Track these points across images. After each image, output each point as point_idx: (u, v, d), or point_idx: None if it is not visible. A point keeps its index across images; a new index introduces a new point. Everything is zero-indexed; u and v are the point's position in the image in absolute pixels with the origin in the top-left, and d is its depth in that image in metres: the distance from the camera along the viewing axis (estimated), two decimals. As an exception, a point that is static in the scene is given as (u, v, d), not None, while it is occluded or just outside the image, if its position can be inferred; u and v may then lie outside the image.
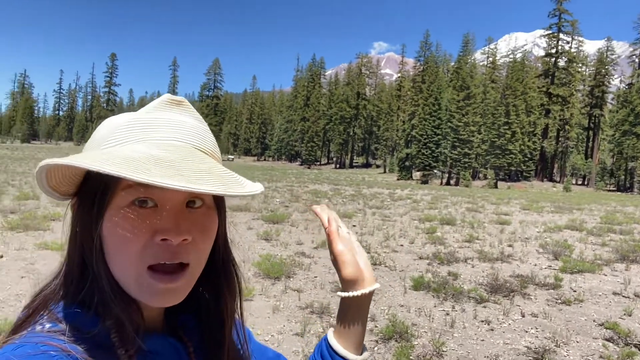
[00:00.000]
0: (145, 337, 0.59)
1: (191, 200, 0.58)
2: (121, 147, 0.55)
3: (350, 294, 0.76)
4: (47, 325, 0.55)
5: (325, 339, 0.79)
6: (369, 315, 0.76)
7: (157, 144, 0.56)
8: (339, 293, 0.78)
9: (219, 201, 0.65)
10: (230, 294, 0.70)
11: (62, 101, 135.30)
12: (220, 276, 0.70)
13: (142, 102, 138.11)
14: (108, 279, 0.57)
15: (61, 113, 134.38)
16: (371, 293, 0.77)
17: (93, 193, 0.57)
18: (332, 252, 0.79)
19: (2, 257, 6.77)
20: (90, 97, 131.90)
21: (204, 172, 0.52)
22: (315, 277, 6.88)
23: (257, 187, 0.57)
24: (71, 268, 0.60)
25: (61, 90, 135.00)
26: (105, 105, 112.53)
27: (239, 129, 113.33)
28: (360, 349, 0.78)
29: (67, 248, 0.61)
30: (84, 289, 0.58)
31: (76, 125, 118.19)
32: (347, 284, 0.76)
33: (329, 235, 0.79)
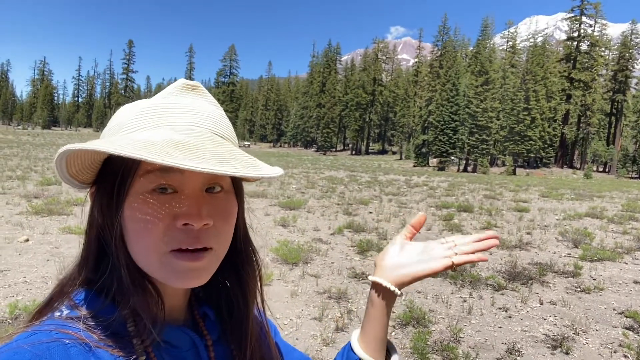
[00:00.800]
0: (163, 328, 0.59)
1: (210, 186, 0.58)
2: (140, 133, 0.55)
3: (370, 277, 0.77)
4: (65, 312, 0.56)
5: (349, 342, 0.79)
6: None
7: (175, 128, 0.56)
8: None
9: (237, 186, 0.65)
10: (250, 281, 0.70)
11: (81, 88, 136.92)
12: (240, 262, 0.70)
13: (159, 89, 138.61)
14: (128, 266, 0.57)
15: (80, 99, 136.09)
16: (379, 287, 0.75)
17: (112, 180, 0.57)
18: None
19: (28, 240, 6.97)
20: (108, 83, 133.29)
21: (224, 156, 0.52)
22: (333, 263, 6.93)
23: (275, 171, 0.56)
24: (91, 256, 0.60)
25: (80, 77, 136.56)
26: (123, 91, 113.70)
27: (255, 115, 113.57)
28: (378, 351, 0.76)
29: (86, 236, 0.61)
30: (103, 276, 0.58)
31: (95, 112, 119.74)
32: (374, 267, 0.79)
33: (405, 227, 0.82)
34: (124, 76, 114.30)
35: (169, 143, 0.51)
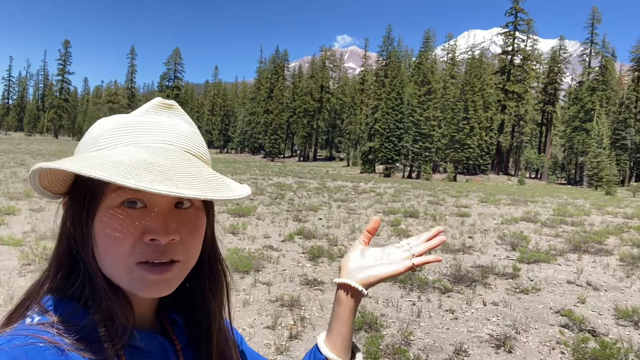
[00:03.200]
0: (133, 334, 0.61)
1: (180, 201, 0.60)
2: (112, 150, 0.58)
3: (334, 280, 0.82)
4: (37, 319, 0.57)
5: (316, 344, 0.82)
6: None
7: (147, 147, 0.58)
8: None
9: (207, 202, 0.67)
10: (217, 291, 0.72)
11: (11, 89, 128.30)
12: (207, 274, 0.71)
13: (98, 92, 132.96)
14: (98, 274, 0.59)
15: (11, 102, 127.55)
16: (346, 287, 0.79)
17: (84, 194, 0.59)
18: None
19: (-47, 253, 6.42)
20: (42, 85, 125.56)
21: (193, 177, 0.54)
22: (284, 270, 6.90)
23: (245, 191, 0.59)
24: (61, 263, 0.61)
25: (10, 78, 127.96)
26: (58, 94, 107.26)
27: (201, 120, 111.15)
28: (343, 351, 0.79)
29: (57, 244, 0.63)
30: (74, 283, 0.59)
31: (27, 115, 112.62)
32: (339, 271, 0.83)
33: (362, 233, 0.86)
34: (60, 77, 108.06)
35: (139, 164, 0.52)
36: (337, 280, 0.80)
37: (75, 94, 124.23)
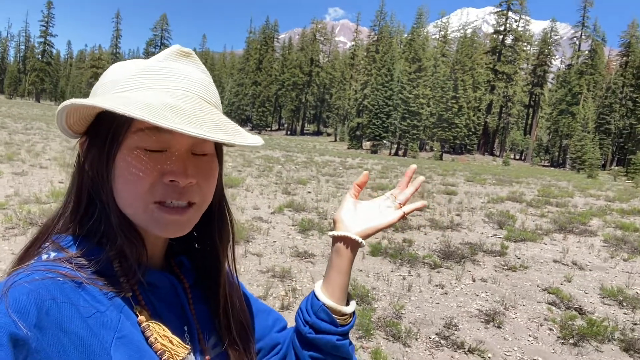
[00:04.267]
0: (146, 270, 0.64)
1: (196, 149, 0.63)
2: (135, 93, 0.59)
3: (330, 232, 0.85)
4: (53, 255, 0.59)
5: (313, 291, 0.84)
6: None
7: (169, 92, 0.60)
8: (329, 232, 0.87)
9: (218, 149, 0.70)
10: (224, 234, 0.75)
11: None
12: (216, 219, 0.74)
13: (82, 56, 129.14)
14: (116, 212, 0.61)
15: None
16: (345, 239, 0.82)
17: (105, 134, 0.61)
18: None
19: None
20: (23, 47, 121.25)
21: (214, 123, 0.57)
22: (275, 242, 6.86)
23: (258, 140, 0.63)
24: (79, 202, 0.63)
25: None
26: (40, 56, 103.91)
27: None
28: (341, 298, 0.82)
29: (73, 183, 0.65)
30: (90, 221, 0.62)
31: (8, 77, 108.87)
32: (334, 224, 0.86)
33: (352, 187, 0.90)
34: (42, 39, 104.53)
35: (165, 106, 0.55)
36: (336, 233, 0.83)
37: (57, 57, 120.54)
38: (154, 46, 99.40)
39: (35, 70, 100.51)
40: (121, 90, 0.60)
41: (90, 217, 0.62)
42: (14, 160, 12.00)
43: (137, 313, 0.60)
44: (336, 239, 0.83)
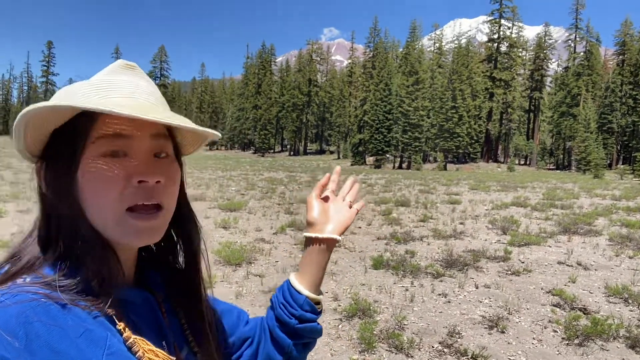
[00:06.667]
0: (122, 289, 0.64)
1: (157, 152, 0.64)
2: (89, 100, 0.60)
3: (305, 233, 0.90)
4: (29, 279, 0.58)
5: (287, 280, 0.90)
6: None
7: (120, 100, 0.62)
8: (303, 232, 0.92)
9: (179, 155, 0.71)
10: (192, 239, 0.77)
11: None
12: (182, 224, 0.76)
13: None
14: (87, 229, 0.60)
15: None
16: (325, 241, 0.89)
17: (62, 150, 0.60)
18: (307, 197, 0.96)
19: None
20: (26, 87, 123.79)
21: (163, 114, 0.59)
22: (277, 261, 6.89)
23: (215, 132, 0.66)
24: (47, 226, 0.62)
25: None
26: (43, 95, 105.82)
27: (189, 118, 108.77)
28: (318, 290, 0.89)
29: (39, 209, 0.64)
30: (62, 243, 0.61)
31: (12, 117, 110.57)
32: (308, 226, 0.91)
33: (316, 185, 0.96)
34: (44, 79, 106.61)
35: (117, 103, 0.57)
36: (321, 235, 0.89)
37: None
38: (154, 77, 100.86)
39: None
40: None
41: (63, 239, 0.61)
42: (19, 199, 12.15)
43: (122, 330, 0.60)
44: (319, 240, 0.88)
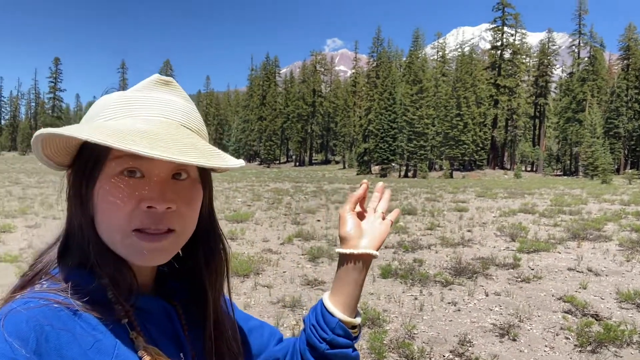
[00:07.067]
0: (139, 297, 0.64)
1: (177, 172, 0.62)
2: (111, 122, 0.60)
3: (338, 249, 0.83)
4: (46, 284, 0.59)
5: (321, 300, 0.83)
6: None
7: (145, 119, 0.60)
8: (336, 248, 0.85)
9: (204, 175, 0.68)
10: (214, 266, 0.74)
11: (3, 109, 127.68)
12: (205, 247, 0.74)
13: (90, 107, 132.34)
14: (97, 242, 0.61)
15: (3, 122, 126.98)
16: (361, 257, 0.82)
17: (85, 164, 0.61)
18: (339, 211, 0.88)
19: (-51, 273, 6.35)
20: (34, 104, 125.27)
21: (188, 146, 0.56)
22: (284, 272, 6.87)
23: (238, 162, 0.61)
24: (69, 234, 0.64)
25: (2, 98, 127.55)
26: (50, 111, 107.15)
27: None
28: (354, 312, 0.82)
29: (66, 215, 0.65)
30: (80, 251, 0.62)
31: (20, 134, 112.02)
32: (341, 241, 0.84)
33: (349, 198, 0.88)
34: (51, 95, 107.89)
35: (135, 132, 0.55)
36: (356, 251, 0.82)
37: (67, 111, 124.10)
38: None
39: (47, 125, 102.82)
40: (100, 119, 0.61)
41: (79, 248, 0.63)
42: (27, 214, 12.25)
43: (133, 339, 0.60)
44: (354, 257, 0.82)
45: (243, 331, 0.86)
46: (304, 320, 0.85)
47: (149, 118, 0.61)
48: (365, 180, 0.91)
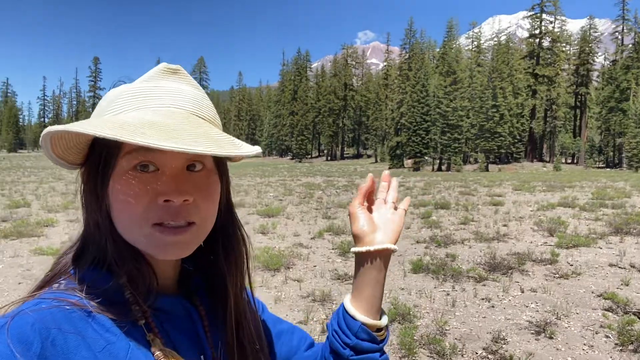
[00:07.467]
0: (158, 297, 0.62)
1: (191, 163, 0.60)
2: (121, 115, 0.58)
3: (354, 249, 0.78)
4: (63, 284, 0.59)
5: (342, 303, 0.79)
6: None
7: (155, 110, 0.58)
8: (351, 248, 0.81)
9: (220, 165, 0.66)
10: (234, 258, 0.71)
11: (47, 108, 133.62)
12: (224, 240, 0.71)
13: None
14: (116, 239, 0.59)
15: (47, 120, 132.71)
16: (380, 253, 0.76)
17: (97, 161, 0.60)
18: (349, 207, 0.83)
19: (-3, 265, 6.70)
20: (75, 102, 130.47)
21: (200, 136, 0.54)
22: (315, 266, 6.89)
23: (254, 149, 0.58)
24: (87, 233, 0.63)
25: (45, 97, 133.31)
26: (91, 109, 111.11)
27: (228, 126, 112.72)
28: (378, 313, 0.78)
29: (83, 215, 0.64)
30: (98, 250, 0.61)
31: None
32: (355, 239, 0.79)
33: (357, 192, 0.83)
34: (91, 94, 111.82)
35: (144, 124, 0.53)
36: (373, 247, 0.77)
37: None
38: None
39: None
40: (109, 114, 0.59)
41: (99, 246, 0.61)
42: (69, 209, 12.75)
43: (150, 341, 0.58)
44: (372, 254, 0.77)
45: (270, 333, 0.83)
46: (327, 326, 0.81)
47: (159, 109, 0.58)
48: (370, 174, 0.85)
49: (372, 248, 0.76)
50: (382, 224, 0.80)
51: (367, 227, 0.78)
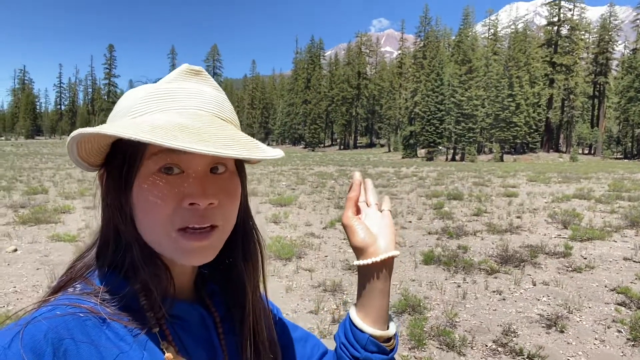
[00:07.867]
0: (174, 303, 0.61)
1: (214, 166, 0.60)
2: (146, 117, 0.57)
3: (359, 262, 0.75)
4: (79, 287, 0.59)
5: (348, 315, 0.78)
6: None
7: (180, 112, 0.58)
8: (354, 262, 0.78)
9: (240, 166, 0.67)
10: (251, 257, 0.71)
11: (63, 95, 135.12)
12: (243, 240, 0.71)
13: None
14: (138, 244, 0.59)
15: (63, 107, 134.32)
16: (385, 262, 0.74)
17: (120, 162, 0.59)
18: (342, 219, 0.78)
19: (16, 250, 6.86)
20: (90, 89, 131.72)
21: (228, 139, 0.54)
22: (326, 256, 6.93)
23: (277, 152, 0.58)
24: (105, 236, 0.62)
25: (61, 85, 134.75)
26: (106, 97, 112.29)
27: (241, 114, 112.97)
28: (385, 323, 0.76)
29: (101, 218, 0.63)
30: (116, 254, 0.60)
31: (79, 119, 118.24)
32: (357, 252, 0.76)
33: (346, 202, 0.78)
34: (106, 81, 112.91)
35: (174, 126, 0.53)
36: (379, 258, 0.73)
37: (121, 95, 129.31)
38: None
39: (103, 110, 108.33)
40: (132, 116, 0.58)
41: (116, 250, 0.61)
42: (85, 196, 12.95)
43: (164, 350, 0.58)
44: (377, 265, 0.74)
45: (284, 339, 0.82)
46: (334, 338, 0.79)
47: (182, 110, 0.58)
48: (357, 178, 0.81)
49: (378, 259, 0.73)
50: (378, 230, 0.76)
51: (368, 238, 0.74)
